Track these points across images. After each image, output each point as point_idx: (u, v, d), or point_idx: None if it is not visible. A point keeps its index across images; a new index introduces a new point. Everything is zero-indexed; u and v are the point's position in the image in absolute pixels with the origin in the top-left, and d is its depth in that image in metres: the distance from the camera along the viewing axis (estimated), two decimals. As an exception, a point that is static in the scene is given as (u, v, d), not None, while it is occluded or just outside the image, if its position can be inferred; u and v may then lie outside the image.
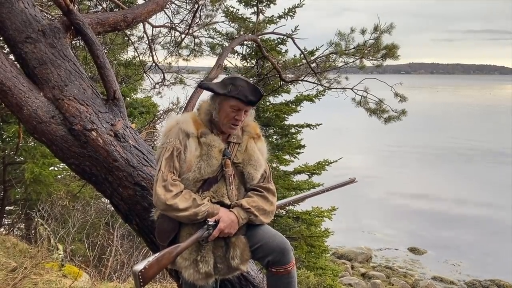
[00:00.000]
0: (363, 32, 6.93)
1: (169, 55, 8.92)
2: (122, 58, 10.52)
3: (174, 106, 10.17)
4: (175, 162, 2.13)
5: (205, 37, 9.10)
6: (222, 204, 2.17)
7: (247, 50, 10.63)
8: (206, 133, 2.18)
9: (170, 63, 9.25)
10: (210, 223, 2.10)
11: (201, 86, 2.35)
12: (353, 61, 7.34)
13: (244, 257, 2.19)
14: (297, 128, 11.01)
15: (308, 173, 10.76)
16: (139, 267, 2.00)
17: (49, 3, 5.54)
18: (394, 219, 20.03)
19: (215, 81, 2.39)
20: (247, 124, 2.31)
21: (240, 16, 10.28)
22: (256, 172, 2.25)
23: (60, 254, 5.15)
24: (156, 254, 2.07)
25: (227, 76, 2.23)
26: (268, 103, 11.10)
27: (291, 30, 8.10)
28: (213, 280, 2.20)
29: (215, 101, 2.19)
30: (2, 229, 9.83)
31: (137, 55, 8.72)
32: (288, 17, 10.06)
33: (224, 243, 2.19)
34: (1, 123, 9.68)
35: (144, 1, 4.05)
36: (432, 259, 16.58)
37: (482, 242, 17.20)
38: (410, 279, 15.01)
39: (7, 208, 10.97)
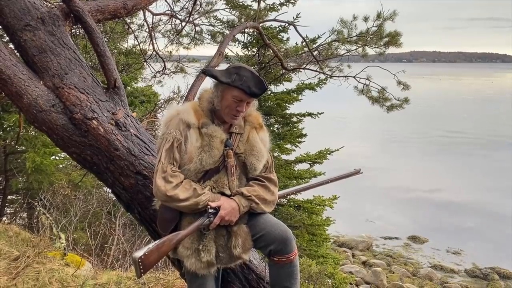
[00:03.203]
0: (365, 19, 6.86)
1: (170, 43, 8.86)
2: (122, 47, 10.44)
3: (175, 95, 10.12)
4: (175, 153, 2.11)
5: (206, 25, 9.01)
6: (222, 194, 2.16)
7: (248, 38, 10.56)
8: (207, 123, 2.15)
9: (170, 52, 9.18)
10: (210, 210, 2.10)
11: (205, 72, 2.28)
12: (356, 49, 7.28)
13: (246, 246, 2.19)
14: (298, 117, 10.97)
15: (310, 162, 10.76)
16: (139, 253, 2.00)
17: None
18: (395, 207, 20.08)
19: (218, 69, 2.31)
20: (249, 114, 2.28)
21: (241, 3, 10.18)
22: (258, 163, 2.23)
23: (62, 243, 5.16)
24: (156, 241, 2.08)
25: (233, 64, 2.18)
26: (269, 92, 11.05)
27: (293, 17, 8.01)
28: (215, 269, 2.20)
29: (218, 89, 2.16)
30: (4, 218, 9.86)
31: (137, 43, 8.64)
32: (290, 4, 9.96)
33: (225, 232, 2.18)
34: (1, 112, 9.65)
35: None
36: (433, 247, 16.65)
37: (483, 231, 17.26)
38: (411, 267, 15.10)
39: (9, 197, 11.00)
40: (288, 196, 10.28)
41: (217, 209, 2.11)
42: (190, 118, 2.14)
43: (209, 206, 2.10)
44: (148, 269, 2.06)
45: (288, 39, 10.46)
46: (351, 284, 11.77)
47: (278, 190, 2.36)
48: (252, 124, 2.28)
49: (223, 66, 2.46)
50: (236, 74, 2.08)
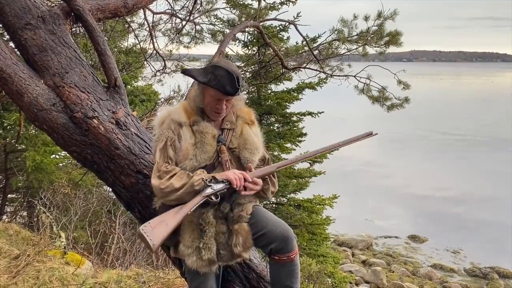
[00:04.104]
0: (366, 18, 6.87)
1: (170, 42, 8.87)
2: (122, 46, 10.44)
3: (175, 94, 10.13)
4: (169, 151, 2.14)
5: (206, 24, 9.03)
6: None
7: (249, 37, 10.56)
8: (198, 120, 2.18)
9: (171, 51, 9.20)
10: (206, 179, 2.07)
11: (184, 72, 2.29)
12: (356, 48, 7.28)
13: (246, 245, 2.19)
14: (298, 116, 10.98)
15: (310, 161, 10.76)
16: (141, 226, 2.00)
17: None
18: (395, 207, 20.09)
19: (198, 67, 2.31)
20: (240, 110, 2.31)
21: (241, 2, 10.18)
22: (252, 156, 2.24)
23: (62, 241, 5.16)
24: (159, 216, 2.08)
25: (212, 62, 2.20)
26: (269, 91, 11.05)
27: (293, 16, 8.02)
28: (216, 267, 2.20)
29: (199, 88, 2.20)
30: (4, 216, 9.87)
31: (137, 42, 8.66)
32: (290, 3, 9.95)
33: (226, 229, 2.19)
34: (1, 111, 9.65)
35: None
36: (433, 246, 16.66)
37: (483, 230, 17.26)
38: (411, 266, 15.11)
39: (9, 196, 11.00)
40: (288, 195, 10.28)
41: (216, 179, 2.08)
42: (181, 117, 2.17)
43: (207, 178, 2.07)
44: (159, 240, 2.00)
45: (288, 38, 10.48)
46: (350, 283, 11.77)
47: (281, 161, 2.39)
48: (244, 119, 2.31)
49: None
50: (211, 74, 2.10)
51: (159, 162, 2.13)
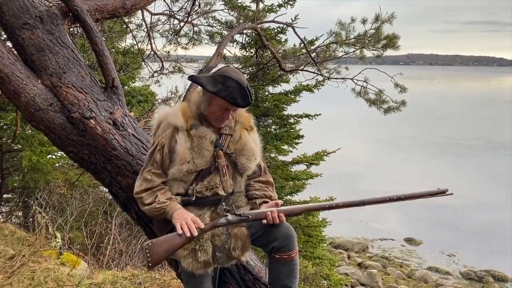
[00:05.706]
0: (363, 21, 6.89)
1: (168, 43, 8.87)
2: (120, 46, 10.43)
3: (173, 95, 10.12)
4: (156, 156, 2.17)
5: (204, 25, 9.05)
6: (216, 195, 2.18)
7: (247, 39, 10.59)
8: (196, 125, 2.17)
9: (168, 52, 9.20)
10: (226, 207, 2.15)
11: (192, 79, 2.24)
12: (353, 51, 7.31)
13: (245, 248, 2.20)
14: (296, 118, 11.00)
15: (307, 164, 10.78)
16: (147, 241, 2.08)
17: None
18: (390, 209, 20.10)
19: (205, 75, 2.27)
20: (240, 115, 2.30)
21: (239, 4, 10.19)
22: (248, 162, 2.24)
23: (58, 242, 5.14)
24: (169, 234, 2.11)
25: (220, 71, 2.15)
26: (267, 93, 11.07)
27: (291, 19, 8.04)
28: (212, 269, 2.20)
29: (205, 95, 2.17)
30: (0, 216, 9.83)
31: (135, 43, 8.66)
32: (288, 5, 9.99)
33: (222, 232, 2.19)
34: (-2, 111, 9.61)
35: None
36: (428, 249, 16.69)
37: (478, 233, 17.31)
38: (406, 269, 15.13)
39: (5, 196, 10.95)
40: (285, 197, 10.29)
41: (235, 212, 2.14)
42: (178, 121, 2.16)
43: (226, 207, 2.15)
44: (157, 259, 2.07)
45: (286, 40, 10.50)
46: (346, 285, 11.78)
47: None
48: (243, 125, 2.30)
49: (220, 66, 2.43)
50: (222, 84, 2.06)
51: (146, 164, 2.20)
